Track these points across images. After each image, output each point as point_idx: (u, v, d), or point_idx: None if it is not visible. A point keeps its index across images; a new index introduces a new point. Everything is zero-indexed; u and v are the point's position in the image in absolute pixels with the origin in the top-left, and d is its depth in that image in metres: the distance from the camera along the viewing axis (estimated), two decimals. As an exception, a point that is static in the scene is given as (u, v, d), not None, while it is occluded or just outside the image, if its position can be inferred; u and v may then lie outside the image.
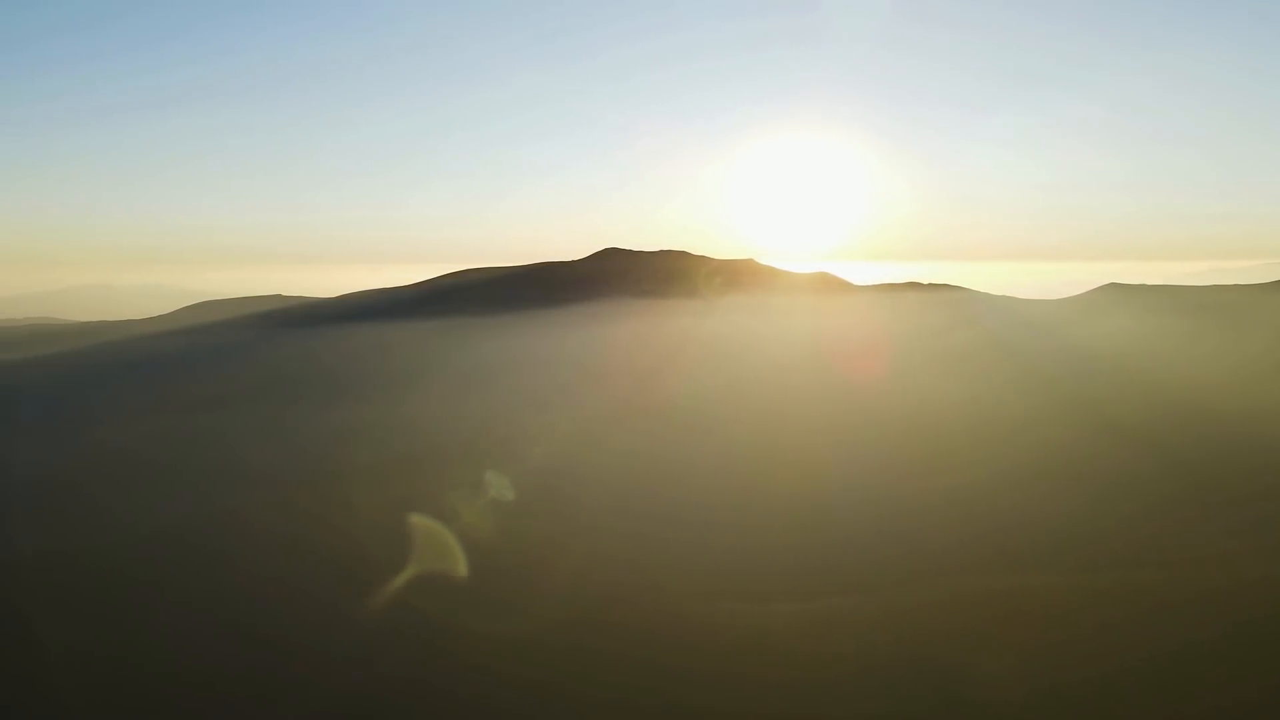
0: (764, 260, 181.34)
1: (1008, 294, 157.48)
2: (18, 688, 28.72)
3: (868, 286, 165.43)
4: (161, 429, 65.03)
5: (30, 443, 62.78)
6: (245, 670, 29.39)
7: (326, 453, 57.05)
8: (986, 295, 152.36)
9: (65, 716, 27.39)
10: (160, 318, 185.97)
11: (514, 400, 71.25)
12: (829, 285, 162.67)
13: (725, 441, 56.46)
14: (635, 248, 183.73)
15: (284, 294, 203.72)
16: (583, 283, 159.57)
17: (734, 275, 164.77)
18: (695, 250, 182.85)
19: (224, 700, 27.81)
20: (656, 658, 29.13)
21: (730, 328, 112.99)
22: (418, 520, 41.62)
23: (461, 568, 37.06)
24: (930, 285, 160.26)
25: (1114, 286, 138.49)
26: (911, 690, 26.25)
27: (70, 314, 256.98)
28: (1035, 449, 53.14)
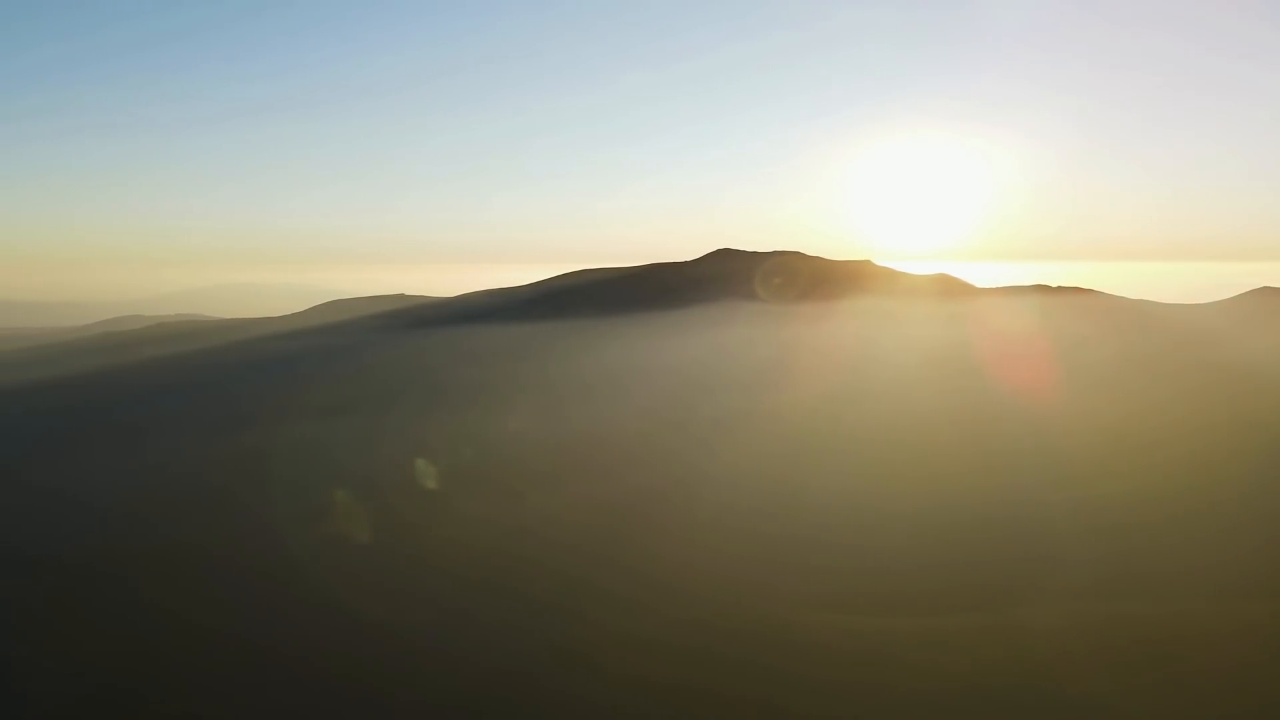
0: (881, 261, 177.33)
1: (1145, 297, 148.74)
2: (162, 665, 30.73)
3: (991, 289, 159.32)
4: (277, 433, 67.77)
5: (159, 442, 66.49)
6: (365, 659, 30.56)
7: (435, 459, 58.23)
8: (1124, 299, 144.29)
9: (202, 691, 29.10)
10: (293, 316, 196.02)
11: (627, 406, 71.69)
12: (949, 288, 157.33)
13: (844, 451, 55.27)
14: (748, 248, 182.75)
15: (406, 294, 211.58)
16: (695, 284, 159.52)
17: (850, 277, 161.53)
18: (810, 251, 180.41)
19: (348, 686, 29.00)
20: (775, 663, 29.05)
21: (848, 332, 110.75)
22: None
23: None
24: (1060, 288, 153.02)
25: (1268, 290, 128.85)
26: (1028, 716, 25.16)
27: (217, 311, 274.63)
28: (1179, 466, 49.80)
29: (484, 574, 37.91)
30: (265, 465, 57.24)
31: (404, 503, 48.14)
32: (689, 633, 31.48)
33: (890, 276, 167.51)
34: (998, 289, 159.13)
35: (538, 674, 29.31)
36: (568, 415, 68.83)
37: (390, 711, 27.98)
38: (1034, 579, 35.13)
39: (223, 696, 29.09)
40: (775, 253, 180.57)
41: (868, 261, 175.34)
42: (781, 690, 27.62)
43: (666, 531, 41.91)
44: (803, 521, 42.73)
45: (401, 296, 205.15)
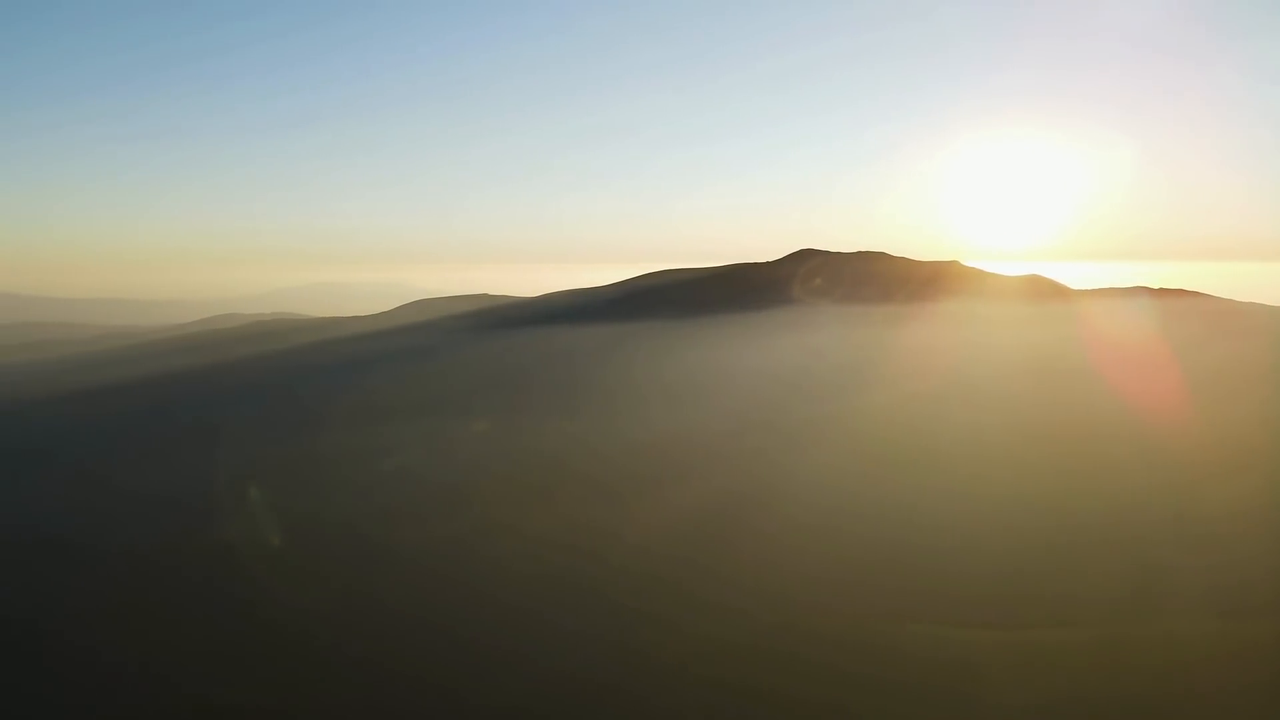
0: (969, 262, 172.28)
1: (1254, 300, 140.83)
2: (234, 663, 31.58)
3: (1088, 291, 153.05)
4: (362, 434, 69.18)
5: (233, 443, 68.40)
6: (439, 661, 30.99)
7: (501, 464, 58.60)
8: (1232, 302, 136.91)
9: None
10: (380, 315, 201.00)
11: (710, 409, 71.15)
12: (1042, 289, 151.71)
13: (931, 457, 53.80)
14: (832, 248, 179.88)
15: (489, 293, 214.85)
16: (778, 285, 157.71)
17: (937, 278, 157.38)
18: (895, 252, 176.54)
19: (420, 688, 29.50)
20: (856, 670, 28.78)
21: (935, 335, 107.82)
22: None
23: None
24: (1162, 290, 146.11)
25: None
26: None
27: (309, 310, 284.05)
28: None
29: (562, 576, 38.05)
30: (349, 467, 58.71)
31: (488, 505, 48.68)
32: (769, 637, 31.29)
33: (979, 277, 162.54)
34: (1095, 290, 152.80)
35: (615, 678, 29.36)
36: (650, 418, 68.66)
37: (463, 714, 28.25)
38: (1132, 594, 33.76)
39: (292, 691, 29.85)
40: (859, 253, 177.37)
41: (955, 262, 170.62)
42: (861, 695, 27.30)
43: (747, 537, 41.63)
44: (887, 529, 41.90)
45: (484, 296, 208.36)
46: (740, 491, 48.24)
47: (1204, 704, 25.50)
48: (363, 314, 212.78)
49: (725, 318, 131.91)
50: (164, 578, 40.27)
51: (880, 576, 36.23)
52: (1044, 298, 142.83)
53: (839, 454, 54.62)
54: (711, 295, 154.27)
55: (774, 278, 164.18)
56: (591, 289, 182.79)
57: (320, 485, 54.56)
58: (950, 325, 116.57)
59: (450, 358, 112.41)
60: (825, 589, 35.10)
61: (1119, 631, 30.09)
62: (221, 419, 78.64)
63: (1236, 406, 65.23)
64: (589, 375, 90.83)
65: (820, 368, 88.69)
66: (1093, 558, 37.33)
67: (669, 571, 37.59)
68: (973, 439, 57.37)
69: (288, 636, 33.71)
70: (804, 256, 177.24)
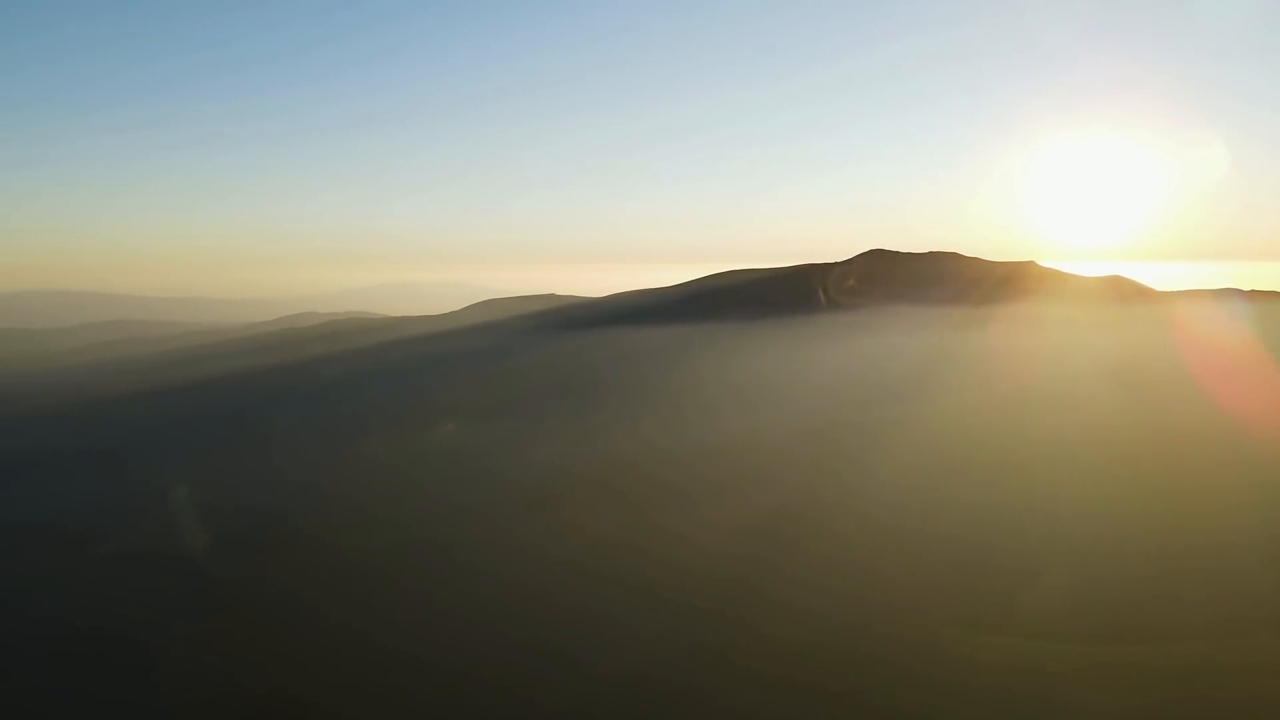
0: (1046, 262, 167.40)
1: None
2: (309, 666, 32.35)
3: (1173, 293, 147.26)
4: (432, 436, 70.20)
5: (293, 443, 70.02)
6: (504, 665, 31.28)
7: (572, 465, 58.92)
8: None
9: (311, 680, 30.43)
10: (450, 315, 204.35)
11: (780, 411, 70.55)
12: (1124, 291, 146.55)
13: (1006, 464, 52.40)
14: (902, 249, 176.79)
15: (557, 293, 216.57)
16: (846, 287, 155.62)
17: (1012, 279, 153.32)
18: (968, 252, 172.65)
19: (483, 689, 29.88)
20: (926, 674, 28.52)
21: (1011, 337, 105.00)
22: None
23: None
24: (1254, 292, 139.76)
25: None
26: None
27: (382, 309, 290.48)
28: None
29: (633, 577, 38.17)
30: (419, 469, 59.79)
31: (559, 506, 49.07)
32: (844, 638, 31.16)
33: (1057, 278, 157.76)
34: (1182, 292, 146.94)
35: (688, 678, 29.47)
36: (719, 420, 68.40)
37: (533, 715, 28.56)
38: (1222, 611, 32.26)
39: (359, 691, 30.45)
40: (930, 253, 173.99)
41: (1032, 262, 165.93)
42: (936, 701, 27.05)
43: (818, 540, 41.24)
44: (961, 536, 41.02)
45: (552, 296, 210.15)
46: (810, 495, 47.85)
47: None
48: (432, 314, 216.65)
49: (791, 319, 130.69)
50: (234, 577, 41.41)
51: (954, 584, 35.51)
52: (1127, 299, 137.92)
53: (911, 459, 53.67)
54: (779, 296, 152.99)
55: (844, 279, 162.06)
56: (659, 289, 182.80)
57: (391, 486, 55.73)
58: (1027, 328, 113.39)
59: (519, 358, 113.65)
60: (897, 594, 34.66)
61: (1206, 650, 28.91)
62: (297, 418, 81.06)
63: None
64: (658, 377, 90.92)
65: (891, 371, 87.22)
66: (1180, 573, 35.89)
67: (742, 573, 37.53)
68: (1052, 446, 55.70)
69: (358, 636, 34.52)
70: (874, 257, 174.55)
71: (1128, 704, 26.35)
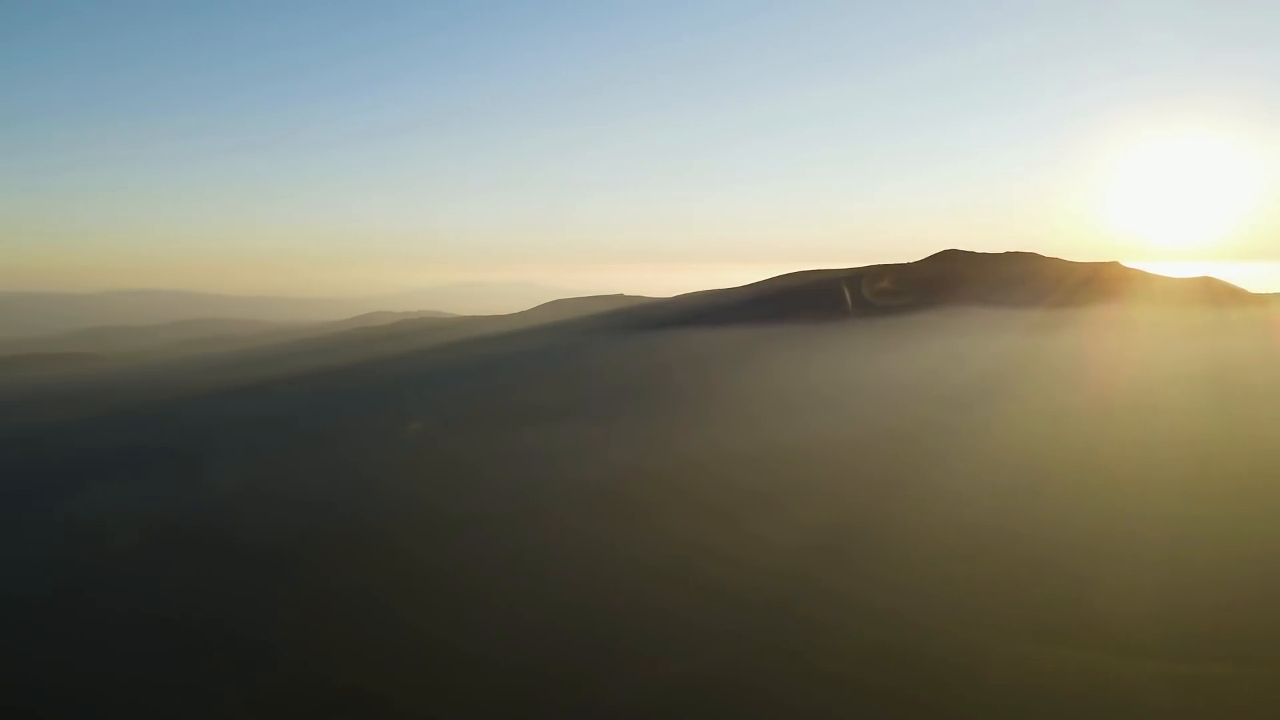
0: (1130, 262, 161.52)
1: None
2: (368, 661, 33.05)
3: (1270, 294, 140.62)
4: (502, 438, 70.79)
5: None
6: (575, 669, 31.44)
7: (642, 467, 58.89)
8: None
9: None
10: (519, 315, 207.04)
11: (849, 416, 69.64)
12: (1216, 292, 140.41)
13: (1083, 473, 50.77)
14: (978, 249, 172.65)
15: (625, 294, 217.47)
16: (919, 288, 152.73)
17: (1095, 281, 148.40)
18: (1048, 252, 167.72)
19: (555, 689, 30.06)
20: (997, 684, 27.79)
21: (1093, 341, 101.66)
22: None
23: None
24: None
25: None
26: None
27: (453, 308, 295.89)
28: None
29: (702, 578, 38.01)
30: (490, 468, 60.51)
31: (628, 508, 49.26)
32: (923, 641, 30.81)
33: (1143, 279, 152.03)
34: (1277, 294, 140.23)
35: (761, 680, 29.40)
36: (791, 422, 67.82)
37: (604, 715, 28.70)
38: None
39: (437, 693, 30.81)
40: (1008, 253, 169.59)
41: (1115, 263, 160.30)
42: (1004, 706, 26.67)
43: (891, 545, 40.60)
44: (1034, 545, 39.82)
45: (620, 297, 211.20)
46: (885, 498, 47.15)
47: None
48: (501, 314, 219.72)
49: (865, 321, 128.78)
50: (310, 573, 42.41)
51: (1030, 593, 34.60)
52: (1218, 301, 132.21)
53: (987, 464, 52.48)
54: (852, 297, 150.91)
55: (914, 280, 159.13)
56: (727, 290, 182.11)
57: (462, 485, 56.61)
58: (1109, 331, 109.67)
59: (588, 359, 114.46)
60: (972, 599, 34.07)
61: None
62: (368, 417, 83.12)
63: None
64: (728, 379, 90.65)
65: (965, 374, 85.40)
66: (1275, 592, 34.38)
67: (815, 574, 37.27)
68: (1137, 456, 53.73)
69: (428, 636, 35.11)
70: (948, 258, 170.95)
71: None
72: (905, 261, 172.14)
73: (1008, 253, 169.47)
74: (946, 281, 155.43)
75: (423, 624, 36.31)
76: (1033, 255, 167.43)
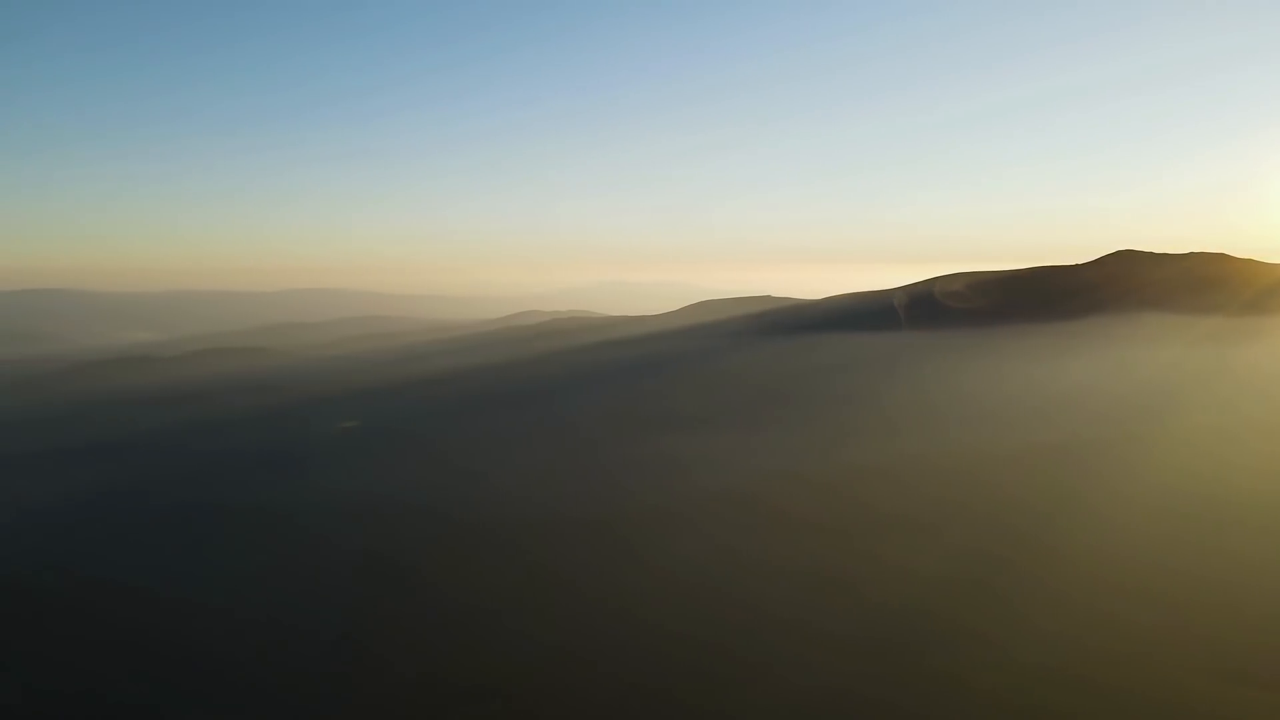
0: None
1: None
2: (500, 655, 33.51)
3: None
4: (644, 445, 71.09)
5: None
6: (700, 677, 30.95)
7: (778, 474, 57.63)
8: None
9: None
10: (666, 315, 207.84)
11: (1004, 427, 65.87)
12: None
13: (1270, 496, 46.00)
14: (1156, 249, 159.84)
15: (772, 295, 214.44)
16: (1089, 291, 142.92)
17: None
18: (1238, 252, 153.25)
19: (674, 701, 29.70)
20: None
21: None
22: None
23: None
24: None
25: None
26: None
27: (601, 308, 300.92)
28: None
29: (844, 594, 37.07)
30: (630, 475, 60.90)
31: (765, 518, 48.47)
32: (1089, 665, 29.33)
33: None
34: None
35: (898, 697, 28.66)
36: (943, 435, 64.92)
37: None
38: None
39: (561, 692, 31.34)
40: (1191, 254, 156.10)
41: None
42: None
43: (1048, 568, 38.46)
44: (1208, 576, 36.66)
45: (767, 298, 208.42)
46: (1043, 516, 44.77)
47: None
48: (649, 314, 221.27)
49: (1024, 327, 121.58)
50: (487, 544, 45.91)
51: (1203, 628, 32.13)
52: None
53: (1155, 484, 48.76)
54: (1011, 301, 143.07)
55: (1084, 282, 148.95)
56: (879, 292, 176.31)
57: (599, 492, 57.24)
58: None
59: (731, 363, 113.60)
60: (1139, 633, 31.92)
61: None
62: (513, 421, 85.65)
63: None
64: (877, 386, 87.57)
65: (1135, 384, 79.18)
66: None
67: (955, 611, 35.40)
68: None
69: (559, 636, 35.62)
70: (1121, 258, 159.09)
71: None
72: (1074, 263, 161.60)
73: (1191, 253, 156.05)
74: (1119, 285, 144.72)
75: (540, 628, 36.86)
76: (1221, 256, 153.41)
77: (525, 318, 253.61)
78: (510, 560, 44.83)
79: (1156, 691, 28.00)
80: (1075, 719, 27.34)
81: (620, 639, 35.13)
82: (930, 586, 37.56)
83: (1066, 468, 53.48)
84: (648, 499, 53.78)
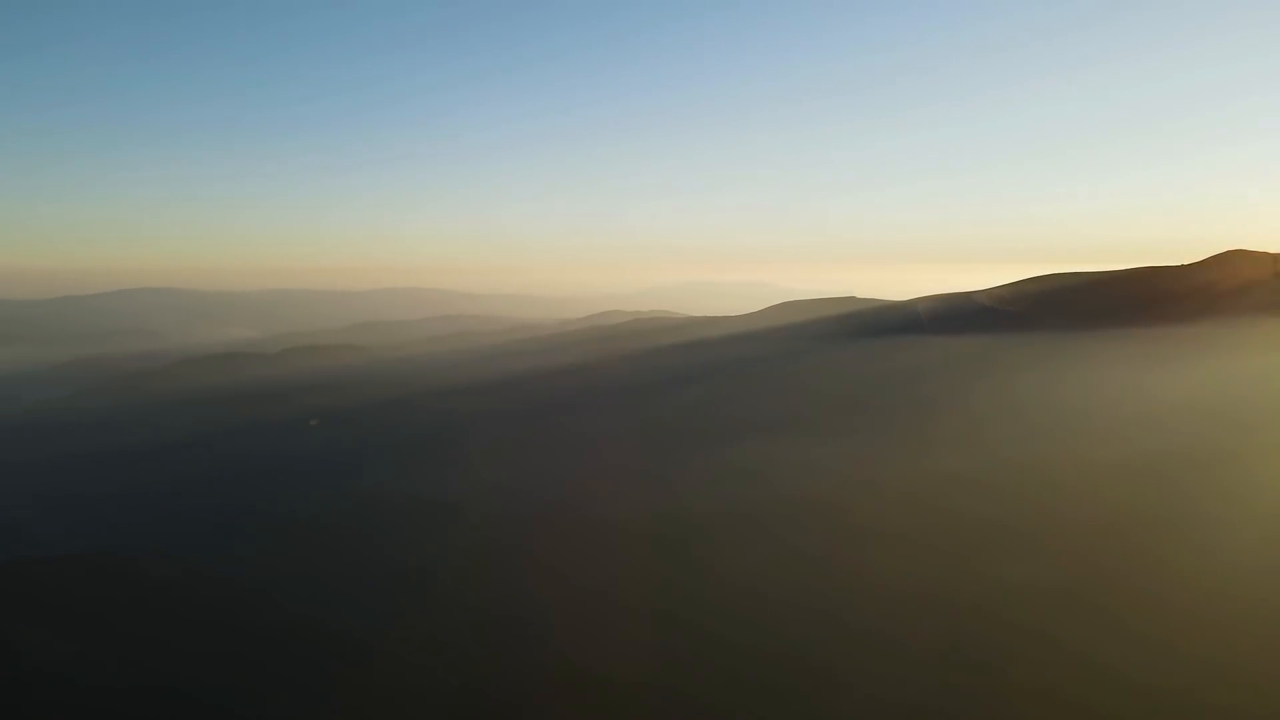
0: None
1: None
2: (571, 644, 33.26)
3: None
4: (721, 452, 70.31)
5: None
6: (764, 688, 30.14)
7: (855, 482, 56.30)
8: None
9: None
10: (748, 316, 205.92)
11: (1099, 440, 62.87)
12: None
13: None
14: (1272, 249, 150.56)
15: (856, 295, 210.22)
16: (1196, 294, 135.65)
17: None
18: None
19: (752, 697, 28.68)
20: None
21: None
22: None
23: None
24: None
25: None
26: None
27: (682, 308, 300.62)
28: None
29: (920, 610, 35.85)
30: (701, 481, 60.39)
31: (842, 527, 47.42)
32: (1183, 674, 28.37)
33: None
34: None
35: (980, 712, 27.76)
36: (1034, 446, 62.32)
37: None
38: None
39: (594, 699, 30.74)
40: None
41: None
42: None
43: (1145, 601, 36.28)
44: None
45: (851, 299, 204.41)
46: (1141, 532, 43.04)
47: None
48: (732, 314, 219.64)
49: (1124, 332, 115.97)
50: (567, 547, 46.65)
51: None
52: None
53: (1263, 501, 45.80)
54: (1110, 304, 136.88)
55: (1190, 284, 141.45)
56: (967, 293, 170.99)
57: (667, 500, 56.94)
58: None
59: (812, 367, 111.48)
60: (1247, 660, 30.13)
61: None
62: (591, 418, 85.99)
63: None
64: (963, 393, 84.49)
65: (1242, 395, 74.46)
66: None
67: (1050, 627, 33.97)
68: None
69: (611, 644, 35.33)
70: (1231, 259, 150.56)
71: None
72: (1180, 263, 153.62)
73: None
74: (1230, 287, 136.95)
75: (602, 635, 36.73)
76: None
77: (607, 317, 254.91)
78: (582, 567, 44.93)
79: (1269, 712, 26.19)
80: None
81: (684, 650, 34.75)
82: (1022, 596, 36.15)
83: (1169, 477, 50.99)
84: (721, 506, 53.24)
